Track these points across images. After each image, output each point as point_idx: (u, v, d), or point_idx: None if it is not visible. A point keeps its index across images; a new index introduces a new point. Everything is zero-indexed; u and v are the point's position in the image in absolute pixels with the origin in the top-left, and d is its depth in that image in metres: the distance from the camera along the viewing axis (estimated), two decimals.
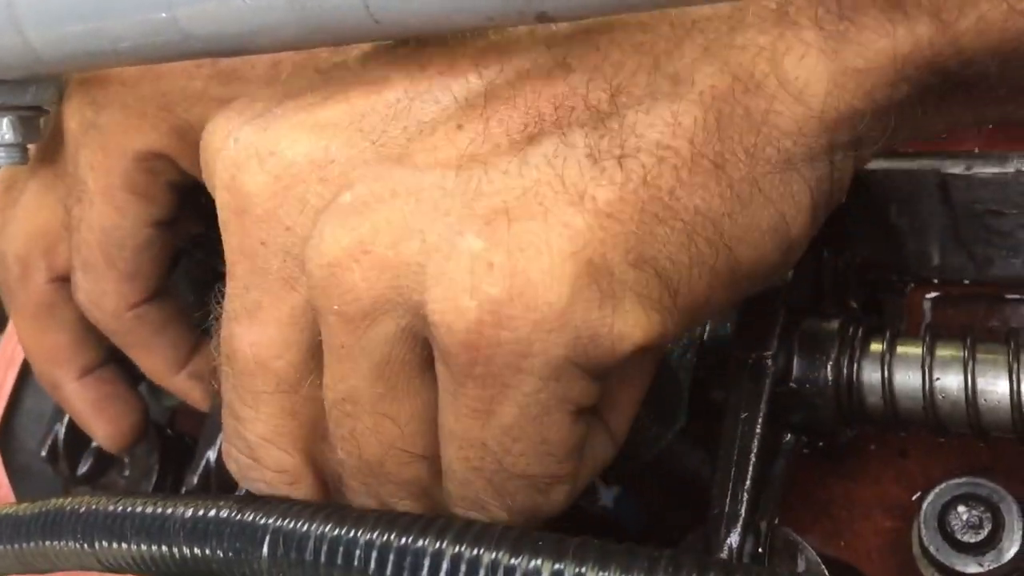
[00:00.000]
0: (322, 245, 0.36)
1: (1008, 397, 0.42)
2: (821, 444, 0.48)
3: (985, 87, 0.37)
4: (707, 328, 0.49)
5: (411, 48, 0.39)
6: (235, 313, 0.39)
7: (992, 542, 0.43)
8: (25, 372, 0.69)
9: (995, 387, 0.42)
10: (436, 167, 0.35)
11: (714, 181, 0.35)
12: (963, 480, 0.44)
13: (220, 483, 0.54)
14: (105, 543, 0.41)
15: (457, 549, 0.34)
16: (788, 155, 0.36)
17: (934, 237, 0.50)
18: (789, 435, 0.46)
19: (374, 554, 0.35)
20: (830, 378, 0.44)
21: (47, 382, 0.61)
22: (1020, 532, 0.42)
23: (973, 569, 0.43)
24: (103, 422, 0.61)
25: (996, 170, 0.47)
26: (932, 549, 0.43)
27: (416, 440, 0.38)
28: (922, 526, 0.44)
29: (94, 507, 0.42)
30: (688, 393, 0.49)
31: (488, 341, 0.34)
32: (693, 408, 0.49)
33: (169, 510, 0.40)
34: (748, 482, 0.42)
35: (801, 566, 0.44)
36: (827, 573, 0.43)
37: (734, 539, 0.41)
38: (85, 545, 0.42)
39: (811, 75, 0.35)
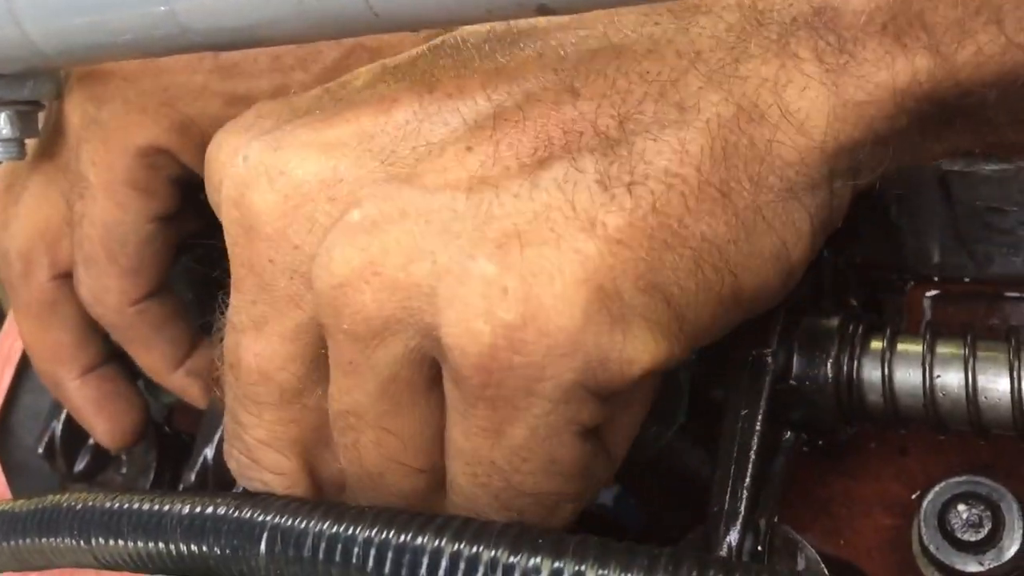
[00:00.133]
0: (332, 265, 0.36)
1: (1009, 395, 0.42)
2: (821, 442, 0.48)
3: (983, 116, 0.38)
4: None
5: (420, 69, 0.39)
6: (241, 325, 0.40)
7: (992, 540, 0.42)
8: (22, 368, 0.69)
9: (996, 385, 0.42)
10: (446, 188, 0.36)
11: (720, 209, 0.36)
12: (963, 478, 0.44)
13: (218, 481, 0.54)
14: (102, 540, 0.41)
15: (456, 547, 0.34)
16: (790, 184, 0.37)
17: (934, 235, 0.50)
18: (789, 433, 0.46)
19: (372, 551, 0.35)
20: (830, 375, 0.44)
21: (48, 380, 0.61)
22: (1020, 531, 0.42)
23: (973, 568, 0.43)
24: (103, 420, 0.61)
25: (996, 167, 0.47)
26: (932, 547, 0.43)
27: (417, 455, 0.38)
28: (922, 524, 0.44)
29: (91, 504, 0.42)
30: (688, 391, 0.49)
31: (501, 365, 0.34)
32: (693, 406, 0.49)
33: (166, 507, 0.40)
34: (748, 480, 0.42)
35: (801, 564, 0.44)
36: (827, 571, 0.43)
37: (733, 537, 0.41)
38: (82, 542, 0.41)
39: (812, 107, 0.36)
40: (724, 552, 0.41)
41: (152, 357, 0.60)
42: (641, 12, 0.38)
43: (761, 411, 0.43)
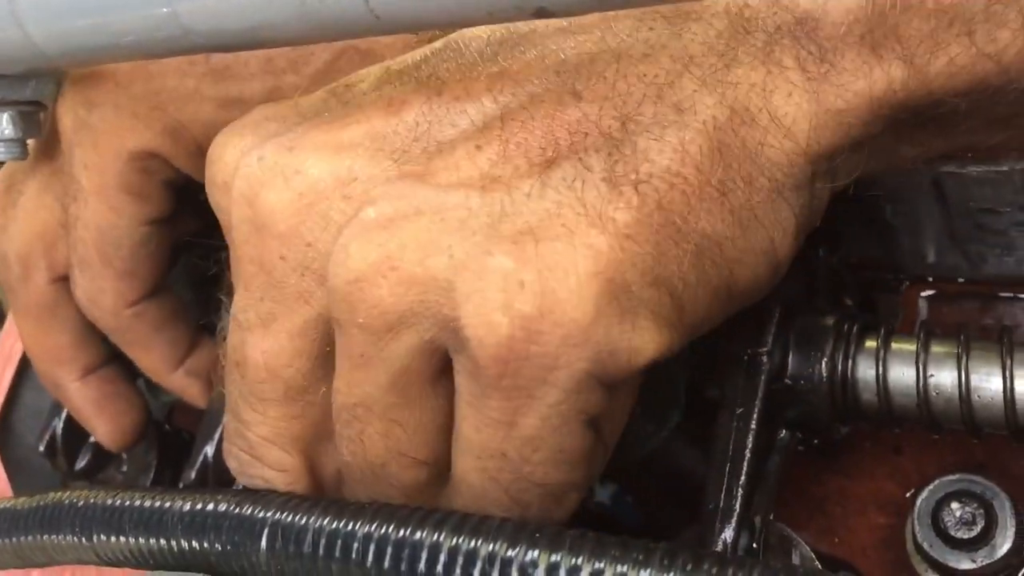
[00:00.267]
0: (348, 260, 0.37)
1: (1001, 394, 0.42)
2: (816, 441, 0.48)
3: (955, 121, 0.39)
4: None
5: (425, 73, 0.40)
6: (248, 323, 0.40)
7: (985, 538, 0.43)
8: (23, 367, 0.69)
9: (988, 384, 0.42)
10: (460, 187, 0.37)
11: (718, 207, 0.37)
12: (957, 477, 0.44)
13: (218, 478, 0.54)
14: (103, 536, 0.41)
15: (455, 541, 0.34)
16: (778, 185, 0.38)
17: (928, 235, 0.50)
18: (784, 431, 0.46)
19: (372, 547, 0.35)
20: (825, 374, 0.44)
21: (49, 382, 0.62)
22: (1013, 529, 0.43)
23: (966, 565, 0.43)
24: (104, 421, 0.61)
25: (990, 168, 0.48)
26: (926, 545, 0.43)
27: (422, 447, 0.39)
28: (916, 522, 0.44)
29: (92, 501, 0.42)
30: (683, 390, 0.49)
31: (517, 355, 0.35)
32: (688, 405, 0.49)
33: (167, 504, 0.40)
34: (743, 478, 0.42)
35: (795, 562, 0.44)
36: (821, 569, 0.43)
37: (728, 534, 0.42)
38: (83, 539, 0.42)
39: (798, 112, 0.38)
40: (719, 549, 0.42)
41: (151, 358, 0.60)
42: (636, 18, 0.39)
43: (756, 410, 0.43)
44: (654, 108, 0.37)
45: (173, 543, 0.39)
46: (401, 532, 0.35)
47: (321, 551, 0.36)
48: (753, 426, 0.43)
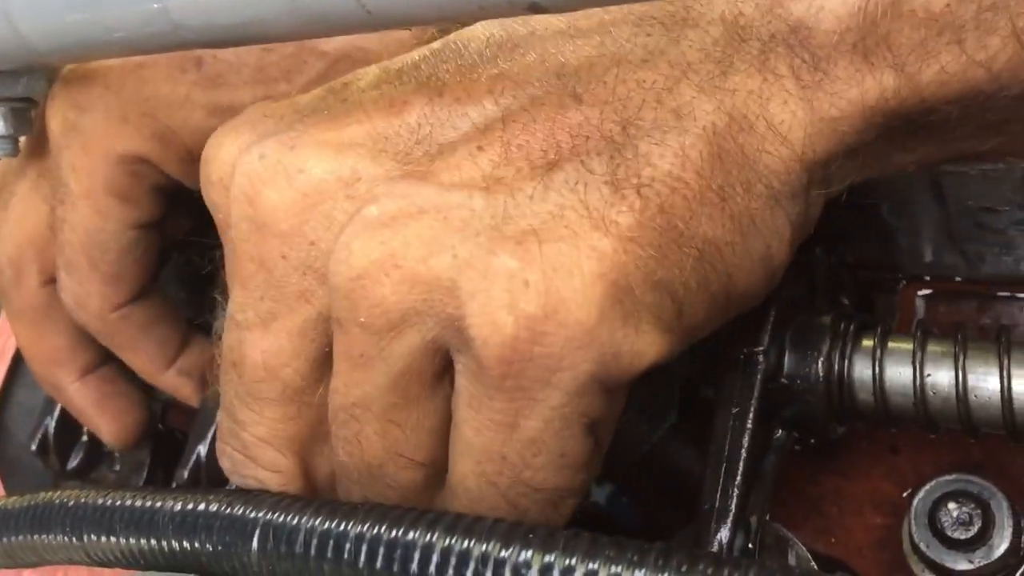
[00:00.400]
0: (351, 258, 0.37)
1: (998, 394, 0.42)
2: (812, 440, 0.48)
3: (947, 128, 0.39)
4: None
5: (425, 73, 0.40)
6: (246, 322, 0.40)
7: (982, 539, 0.43)
8: (16, 365, 0.69)
9: (985, 383, 0.42)
10: (462, 187, 0.37)
11: (718, 212, 0.37)
12: (953, 477, 0.44)
13: (210, 478, 0.54)
14: (94, 536, 0.41)
15: (447, 542, 0.34)
16: (775, 192, 0.39)
17: (926, 234, 0.50)
18: (780, 431, 0.46)
19: (364, 547, 0.35)
20: (821, 374, 0.44)
21: (48, 384, 0.61)
22: (1009, 529, 0.43)
23: (963, 566, 0.43)
24: (107, 420, 0.61)
25: (989, 167, 0.47)
26: (922, 546, 0.43)
27: (419, 448, 0.39)
28: (912, 523, 0.44)
29: (83, 500, 0.42)
30: (679, 390, 0.49)
31: (521, 356, 0.35)
32: (684, 405, 0.49)
33: (158, 504, 0.40)
34: (739, 478, 0.42)
35: (791, 562, 0.44)
36: (817, 569, 0.43)
37: (724, 534, 0.41)
38: (74, 539, 0.41)
39: (793, 120, 0.38)
40: (715, 549, 0.41)
41: (140, 359, 0.60)
42: (634, 23, 0.40)
43: (752, 409, 0.43)
44: (654, 113, 0.38)
45: (164, 543, 0.39)
46: (394, 532, 0.35)
47: (313, 551, 0.36)
48: (749, 426, 0.43)
